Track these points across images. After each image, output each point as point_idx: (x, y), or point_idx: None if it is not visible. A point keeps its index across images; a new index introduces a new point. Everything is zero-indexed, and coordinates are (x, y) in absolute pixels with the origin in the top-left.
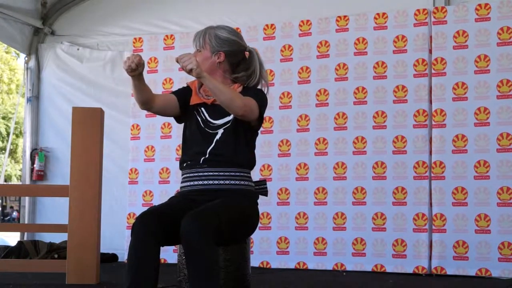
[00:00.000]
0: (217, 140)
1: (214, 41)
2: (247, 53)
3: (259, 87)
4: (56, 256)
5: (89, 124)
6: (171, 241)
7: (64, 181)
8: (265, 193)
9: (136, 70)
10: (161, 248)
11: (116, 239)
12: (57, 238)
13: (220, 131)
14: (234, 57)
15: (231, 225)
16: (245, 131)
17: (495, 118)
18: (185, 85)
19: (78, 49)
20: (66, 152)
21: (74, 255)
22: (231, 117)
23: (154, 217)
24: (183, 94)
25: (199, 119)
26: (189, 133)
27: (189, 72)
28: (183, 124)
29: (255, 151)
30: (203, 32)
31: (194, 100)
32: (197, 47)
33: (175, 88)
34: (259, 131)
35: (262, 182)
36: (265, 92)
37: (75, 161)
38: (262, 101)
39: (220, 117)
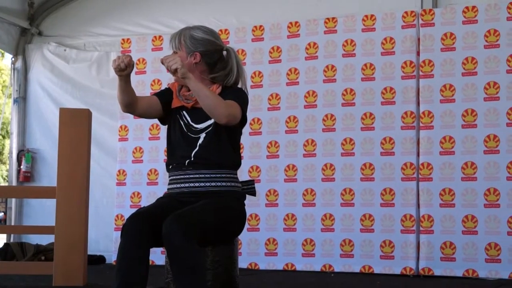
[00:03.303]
0: (200, 144)
1: (189, 42)
2: (224, 52)
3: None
4: (43, 258)
5: (76, 125)
6: (160, 243)
7: (51, 183)
8: (253, 193)
9: (124, 71)
10: (150, 249)
11: (101, 241)
12: (44, 240)
13: (202, 135)
14: (210, 57)
15: (215, 225)
16: (228, 132)
17: (482, 120)
18: (167, 87)
19: (65, 50)
20: (53, 153)
21: (61, 257)
22: (212, 120)
23: (143, 218)
24: (165, 95)
25: (182, 123)
26: (173, 137)
27: (174, 72)
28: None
29: (244, 152)
30: (179, 33)
31: (175, 103)
32: (173, 49)
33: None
34: (246, 131)
35: (250, 182)
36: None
37: (63, 163)
38: (243, 101)
39: (202, 120)
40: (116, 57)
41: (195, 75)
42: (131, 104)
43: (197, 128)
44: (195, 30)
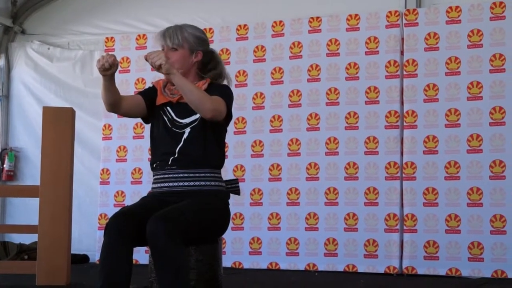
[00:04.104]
0: (185, 139)
1: (193, 40)
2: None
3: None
4: (26, 257)
5: (60, 124)
6: (144, 242)
7: (35, 182)
8: (237, 192)
9: (109, 70)
10: (133, 248)
11: (85, 240)
12: (27, 239)
13: (187, 130)
14: (206, 56)
15: (198, 225)
16: (213, 129)
17: (465, 120)
18: (151, 85)
19: (48, 48)
20: (36, 152)
21: (44, 256)
22: (197, 115)
23: (127, 217)
24: (149, 94)
25: (166, 118)
26: (156, 133)
27: (158, 68)
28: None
29: (228, 151)
30: (178, 30)
31: (160, 100)
32: (172, 45)
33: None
34: (231, 130)
35: (234, 181)
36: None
37: (46, 161)
38: (229, 98)
39: (187, 115)
40: (100, 57)
41: (192, 73)
42: (115, 103)
43: (182, 123)
44: (192, 28)
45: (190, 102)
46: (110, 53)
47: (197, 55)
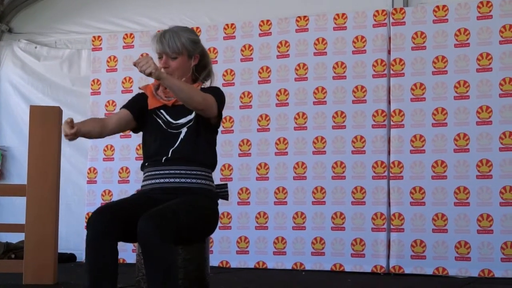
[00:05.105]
0: (181, 139)
1: (190, 45)
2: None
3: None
4: (13, 256)
5: (47, 123)
6: (129, 237)
7: (22, 181)
8: (225, 197)
9: (76, 136)
10: (120, 248)
11: (72, 239)
12: (14, 238)
13: (184, 129)
14: (201, 58)
15: (190, 224)
16: (206, 130)
17: (453, 119)
18: (139, 91)
19: (36, 47)
20: (23, 151)
21: (31, 255)
22: (192, 115)
23: (110, 212)
24: (136, 104)
25: (160, 121)
26: (149, 136)
27: (149, 75)
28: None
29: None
30: (176, 36)
31: (152, 104)
32: (172, 54)
33: (134, 87)
34: (219, 130)
35: (223, 186)
36: None
37: (33, 160)
38: (220, 98)
39: (182, 116)
40: (62, 130)
41: (189, 76)
42: (101, 132)
43: (178, 123)
44: (186, 32)
45: (182, 99)
46: (65, 122)
47: (195, 59)
